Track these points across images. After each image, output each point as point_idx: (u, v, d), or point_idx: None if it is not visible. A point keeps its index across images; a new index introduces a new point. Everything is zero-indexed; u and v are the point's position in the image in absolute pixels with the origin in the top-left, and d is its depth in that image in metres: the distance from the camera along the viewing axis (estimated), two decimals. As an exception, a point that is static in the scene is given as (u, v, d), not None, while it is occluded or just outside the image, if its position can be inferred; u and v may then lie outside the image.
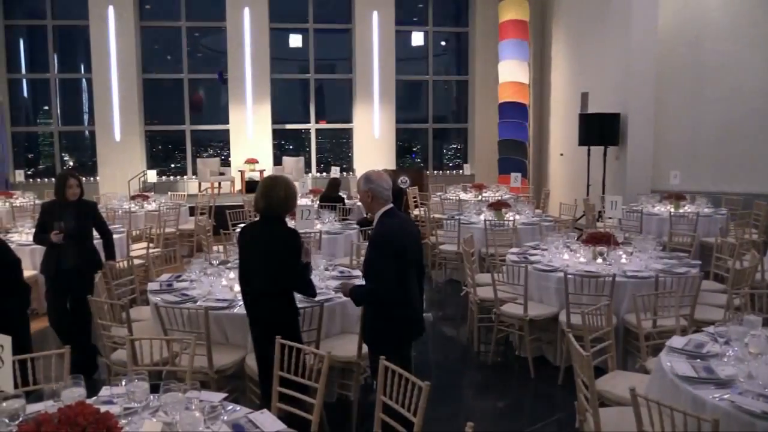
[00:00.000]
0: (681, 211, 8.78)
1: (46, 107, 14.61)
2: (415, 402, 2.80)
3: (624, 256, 5.71)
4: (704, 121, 11.15)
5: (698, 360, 3.31)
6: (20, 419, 2.55)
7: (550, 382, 5.22)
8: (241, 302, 4.31)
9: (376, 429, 3.07)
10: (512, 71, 13.89)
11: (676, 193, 9.18)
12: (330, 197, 9.49)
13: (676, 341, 3.58)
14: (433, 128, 15.76)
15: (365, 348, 4.01)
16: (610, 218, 8.37)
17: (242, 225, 8.25)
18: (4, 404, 2.55)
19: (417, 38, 15.59)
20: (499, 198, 9.72)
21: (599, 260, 5.64)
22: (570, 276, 5.10)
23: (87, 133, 14.75)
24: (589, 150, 11.28)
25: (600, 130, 10.91)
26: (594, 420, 3.23)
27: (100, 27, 13.55)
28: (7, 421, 2.53)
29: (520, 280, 5.38)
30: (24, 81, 14.55)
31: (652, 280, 5.13)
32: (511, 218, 8.02)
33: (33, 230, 5.76)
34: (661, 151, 11.15)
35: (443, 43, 16.16)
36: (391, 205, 3.67)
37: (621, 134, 10.92)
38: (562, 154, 13.62)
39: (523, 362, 5.46)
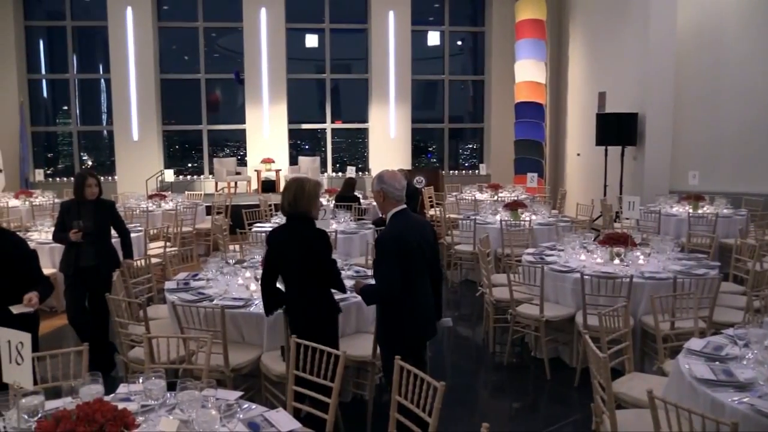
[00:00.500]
0: (700, 211, 8.69)
1: (65, 107, 14.79)
2: (430, 402, 2.79)
3: (642, 257, 5.66)
4: (723, 121, 11.01)
5: (717, 362, 3.27)
6: (39, 415, 2.57)
7: (566, 383, 5.19)
8: (258, 301, 4.32)
9: (390, 429, 3.07)
10: (529, 71, 13.82)
11: (694, 194, 9.09)
12: (345, 197, 9.50)
13: (695, 343, 3.54)
14: (449, 128, 15.73)
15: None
16: (627, 219, 8.30)
17: (260, 225, 8.34)
18: (24, 400, 2.58)
19: (433, 38, 15.58)
20: (515, 198, 9.68)
21: (616, 261, 5.60)
22: (587, 277, 5.06)
23: (105, 132, 14.91)
24: (606, 150, 11.20)
25: (617, 129, 10.82)
26: (611, 422, 3.20)
27: (119, 28, 13.69)
28: (26, 417, 2.55)
29: (536, 280, 5.35)
30: (44, 81, 14.73)
31: (670, 281, 5.08)
32: (527, 218, 7.98)
33: (52, 229, 5.82)
34: (680, 151, 11.04)
35: (459, 42, 16.12)
36: (404, 205, 3.67)
37: (639, 134, 10.82)
38: (578, 154, 13.53)
39: (539, 363, 5.43)
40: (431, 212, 10.96)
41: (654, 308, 4.35)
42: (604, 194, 10.99)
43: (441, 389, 2.73)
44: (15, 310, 3.71)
